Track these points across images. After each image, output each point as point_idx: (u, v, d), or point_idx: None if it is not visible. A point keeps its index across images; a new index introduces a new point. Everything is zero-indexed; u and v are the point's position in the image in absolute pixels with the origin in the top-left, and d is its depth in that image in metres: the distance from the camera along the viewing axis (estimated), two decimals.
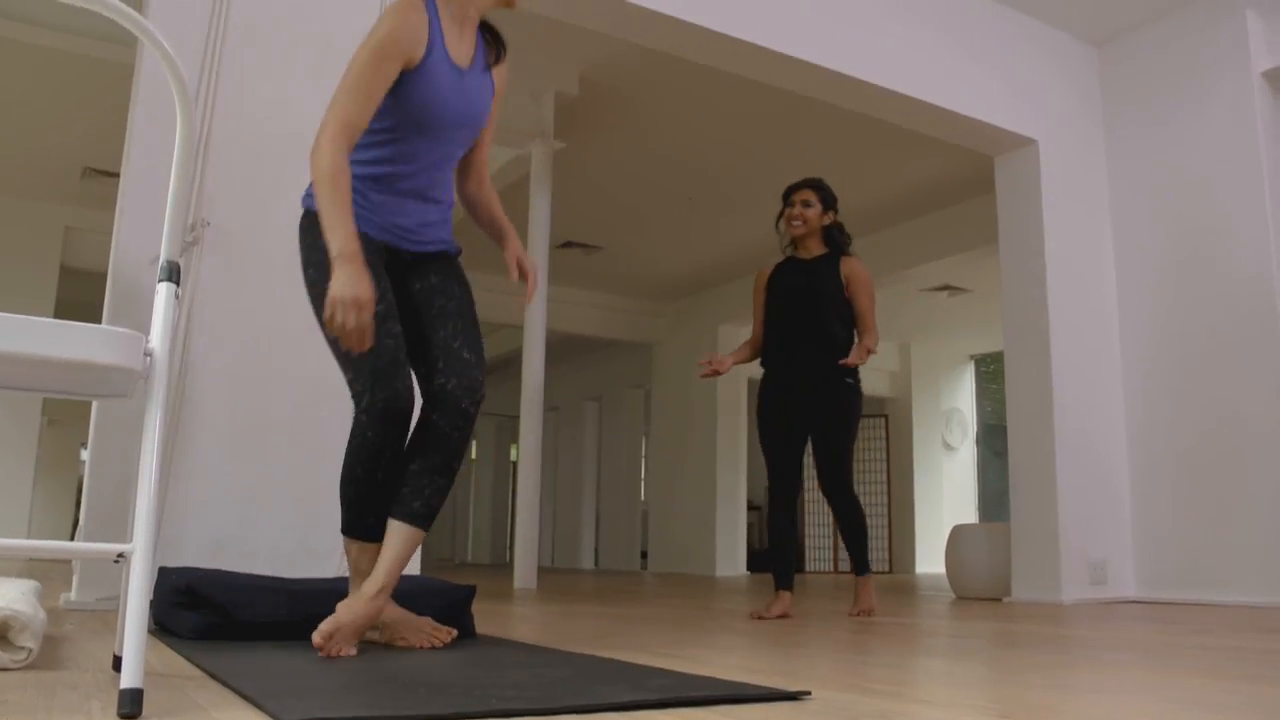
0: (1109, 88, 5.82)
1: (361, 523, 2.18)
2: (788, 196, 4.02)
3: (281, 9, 3.34)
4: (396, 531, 2.13)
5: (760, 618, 3.58)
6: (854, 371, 3.85)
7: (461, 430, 2.21)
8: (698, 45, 4.56)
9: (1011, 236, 5.58)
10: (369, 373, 2.10)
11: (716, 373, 3.78)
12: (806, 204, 3.96)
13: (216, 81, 3.17)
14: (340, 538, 2.25)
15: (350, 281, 1.96)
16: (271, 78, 3.28)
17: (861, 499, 3.93)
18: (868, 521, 3.90)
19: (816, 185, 4.01)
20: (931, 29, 5.15)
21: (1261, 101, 5.10)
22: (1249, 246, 5.00)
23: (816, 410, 3.82)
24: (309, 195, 2.24)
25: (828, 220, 3.98)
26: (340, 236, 2.01)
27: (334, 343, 2.12)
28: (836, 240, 4.01)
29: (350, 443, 2.16)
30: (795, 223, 3.96)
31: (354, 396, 2.15)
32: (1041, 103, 5.55)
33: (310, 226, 2.20)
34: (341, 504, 2.20)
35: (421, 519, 2.15)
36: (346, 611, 2.02)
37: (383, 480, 2.15)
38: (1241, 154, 5.09)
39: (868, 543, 3.90)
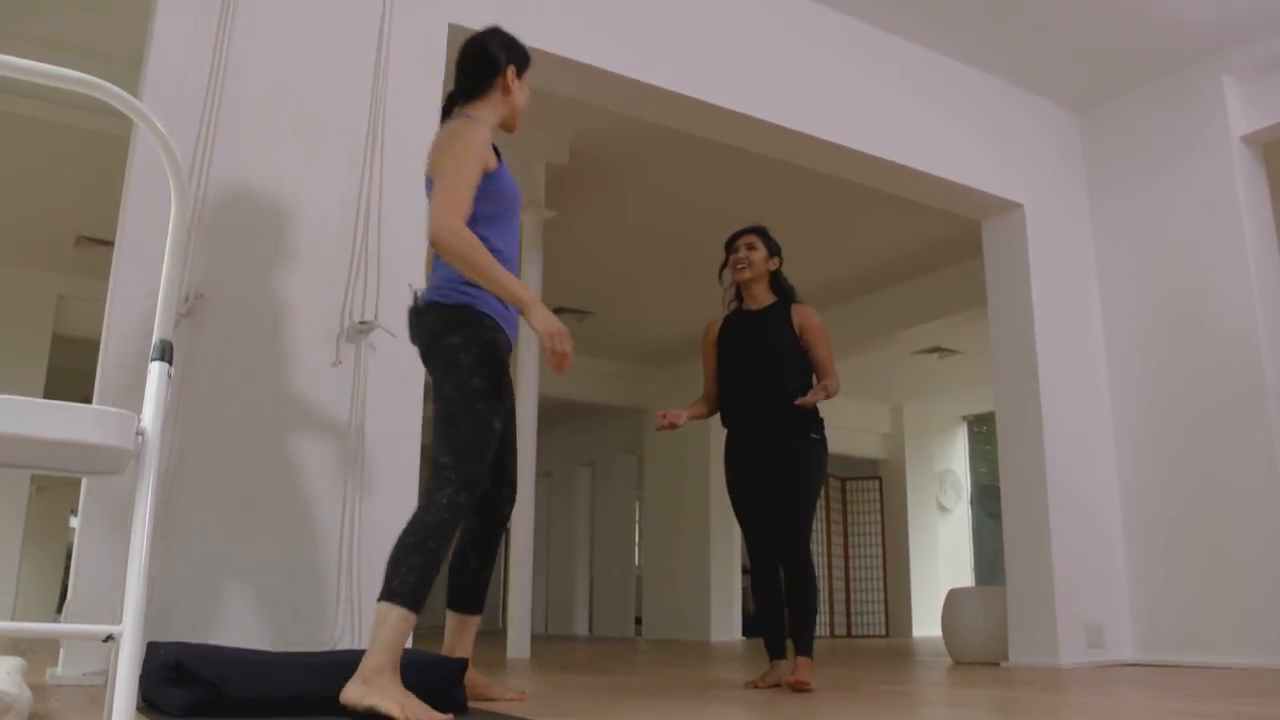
0: (1092, 152, 5.90)
1: (420, 594, 2.30)
2: (731, 243, 3.96)
3: (273, 88, 3.39)
4: (474, 623, 2.84)
5: (755, 686, 3.55)
6: (818, 427, 3.73)
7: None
8: (686, 115, 4.63)
9: (1000, 299, 5.63)
10: (471, 474, 2.45)
11: (673, 425, 3.69)
12: (751, 247, 3.90)
13: (210, 158, 3.20)
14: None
15: (553, 316, 2.44)
16: (264, 154, 3.32)
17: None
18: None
19: (759, 230, 3.96)
20: (917, 96, 5.24)
21: (1241, 165, 5.18)
22: (1233, 309, 5.04)
23: (779, 468, 3.68)
24: (443, 290, 2.59)
25: (774, 265, 3.92)
26: (520, 286, 2.48)
27: (459, 428, 2.46)
28: (784, 288, 3.93)
29: (425, 519, 2.36)
30: (740, 266, 3.88)
31: (441, 480, 2.42)
32: (1026, 168, 5.63)
33: (473, 322, 2.56)
34: (400, 573, 2.29)
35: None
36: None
37: (437, 553, 2.35)
38: (1222, 217, 5.16)
39: (816, 619, 3.62)
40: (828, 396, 3.69)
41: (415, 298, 2.68)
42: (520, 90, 2.87)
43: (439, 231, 2.44)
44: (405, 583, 2.27)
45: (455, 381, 2.50)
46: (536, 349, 6.02)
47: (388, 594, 2.28)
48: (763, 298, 3.93)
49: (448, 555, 2.39)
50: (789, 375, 3.75)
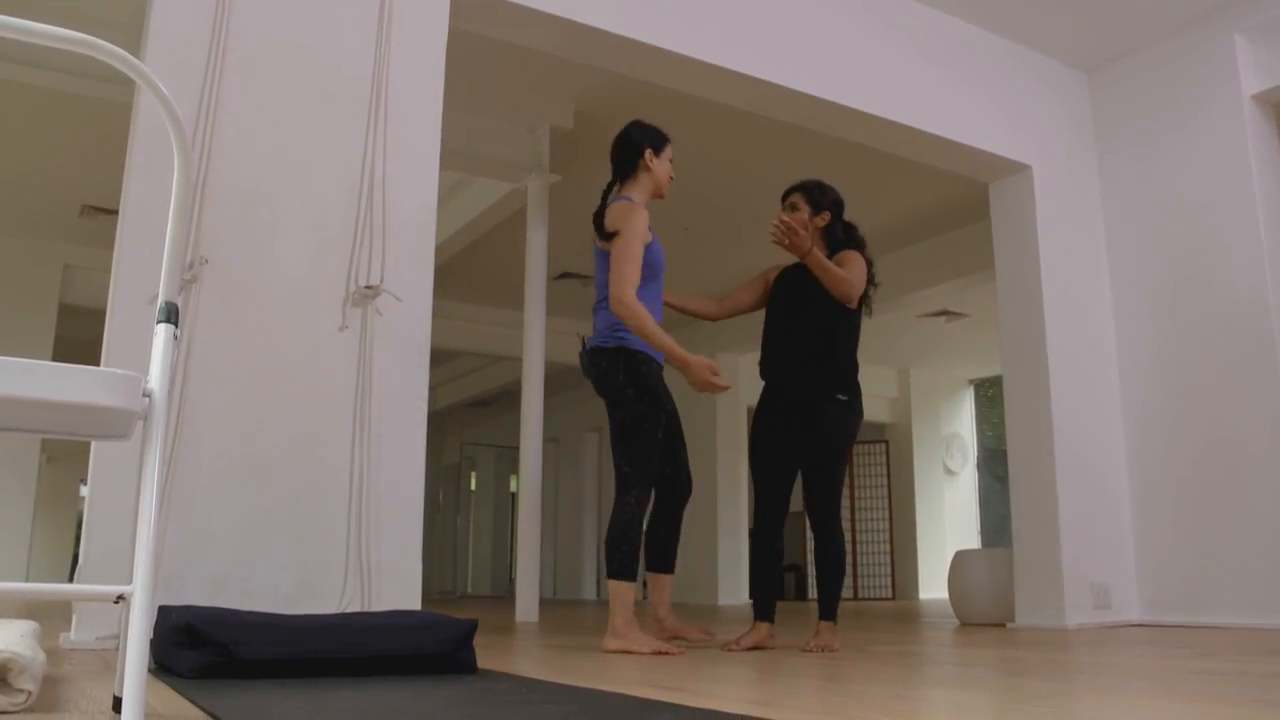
0: (1101, 113, 5.86)
1: (633, 569, 3.22)
2: (782, 201, 3.80)
3: (275, 51, 3.37)
4: (669, 581, 3.66)
5: (732, 648, 3.41)
6: (848, 389, 3.59)
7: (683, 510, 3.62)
8: (691, 78, 4.59)
9: (1007, 262, 5.60)
10: (646, 476, 3.29)
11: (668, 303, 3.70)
12: (793, 208, 3.72)
13: (213, 123, 3.19)
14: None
15: (702, 366, 3.26)
16: (267, 118, 3.30)
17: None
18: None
19: (803, 188, 3.77)
20: (924, 58, 5.19)
21: (1252, 124, 5.13)
22: (1244, 270, 5.02)
23: (805, 433, 3.56)
24: (604, 337, 3.37)
25: (821, 223, 3.70)
26: (675, 343, 3.26)
27: (633, 444, 3.29)
28: (837, 239, 3.72)
29: (623, 515, 3.25)
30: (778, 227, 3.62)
31: (626, 484, 3.29)
32: (1035, 129, 5.59)
33: (628, 359, 3.33)
34: (617, 558, 3.22)
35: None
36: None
37: (636, 539, 3.25)
38: (1233, 177, 5.12)
39: (841, 585, 3.57)
40: (794, 236, 3.48)
41: (584, 342, 3.46)
42: (660, 165, 3.54)
43: (615, 304, 3.22)
44: (622, 564, 3.20)
45: (626, 410, 3.30)
46: (537, 321, 6.03)
47: (613, 573, 3.22)
48: None
49: (642, 533, 3.27)
50: (816, 338, 3.62)
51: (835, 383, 3.58)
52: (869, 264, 3.70)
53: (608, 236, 3.38)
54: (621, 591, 3.21)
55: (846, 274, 3.55)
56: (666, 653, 3.09)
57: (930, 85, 5.18)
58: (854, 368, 3.66)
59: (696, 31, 4.42)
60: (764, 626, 3.55)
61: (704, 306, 3.93)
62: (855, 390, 3.63)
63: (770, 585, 3.65)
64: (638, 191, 3.49)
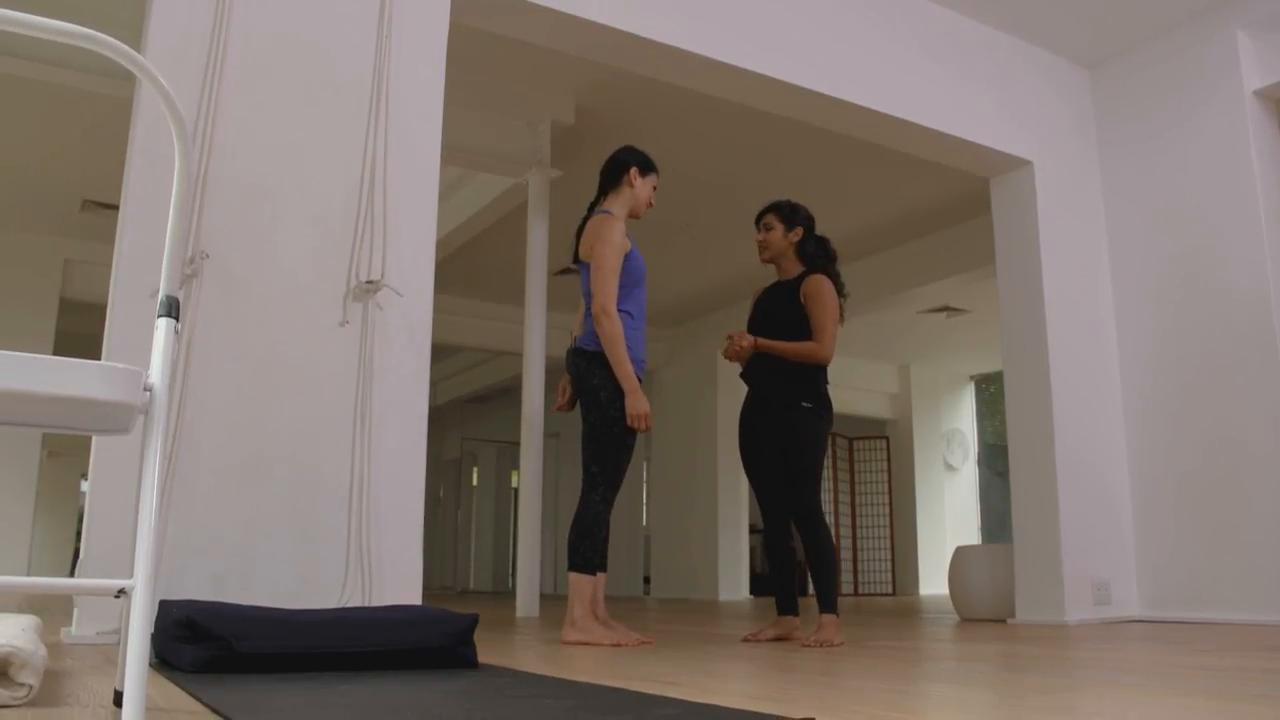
0: (1102, 109, 5.85)
1: (593, 563, 3.41)
2: (757, 222, 4.05)
3: (275, 46, 3.36)
4: (602, 580, 3.55)
5: (753, 640, 3.62)
6: (812, 396, 3.77)
7: None
8: (692, 72, 4.59)
9: (1008, 258, 5.60)
10: (613, 477, 3.46)
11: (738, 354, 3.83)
12: (768, 227, 3.97)
13: (214, 118, 3.18)
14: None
15: (642, 402, 3.46)
16: (269, 114, 3.29)
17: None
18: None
19: (776, 207, 4.01)
20: (926, 53, 5.18)
21: (1254, 120, 5.12)
22: (1245, 266, 5.01)
23: (774, 438, 3.79)
24: (588, 340, 3.56)
25: (795, 238, 3.94)
26: (633, 374, 3.47)
27: (603, 445, 3.44)
28: (810, 257, 3.95)
29: (586, 513, 3.42)
30: (760, 248, 3.99)
31: (592, 483, 3.45)
32: (1036, 125, 5.58)
33: (602, 365, 3.50)
34: (580, 552, 3.41)
35: None
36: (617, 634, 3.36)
37: (599, 535, 3.43)
38: (1235, 173, 5.12)
39: (836, 578, 3.71)
40: (755, 348, 3.79)
41: (574, 339, 3.66)
42: (642, 186, 3.73)
43: (598, 313, 3.45)
44: (585, 559, 3.40)
45: (599, 412, 3.46)
46: (538, 317, 6.03)
47: (574, 567, 3.41)
48: (791, 270, 3.97)
49: (607, 531, 3.44)
50: (790, 359, 3.81)
51: (803, 392, 3.78)
52: (836, 278, 3.91)
53: (577, 259, 3.69)
54: (581, 584, 3.40)
55: (808, 346, 3.77)
56: (623, 644, 3.24)
57: (932, 81, 5.17)
58: (823, 380, 3.85)
59: (697, 26, 4.42)
60: (784, 620, 3.77)
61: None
62: (822, 398, 3.81)
63: (787, 583, 3.88)
64: (618, 205, 3.72)
